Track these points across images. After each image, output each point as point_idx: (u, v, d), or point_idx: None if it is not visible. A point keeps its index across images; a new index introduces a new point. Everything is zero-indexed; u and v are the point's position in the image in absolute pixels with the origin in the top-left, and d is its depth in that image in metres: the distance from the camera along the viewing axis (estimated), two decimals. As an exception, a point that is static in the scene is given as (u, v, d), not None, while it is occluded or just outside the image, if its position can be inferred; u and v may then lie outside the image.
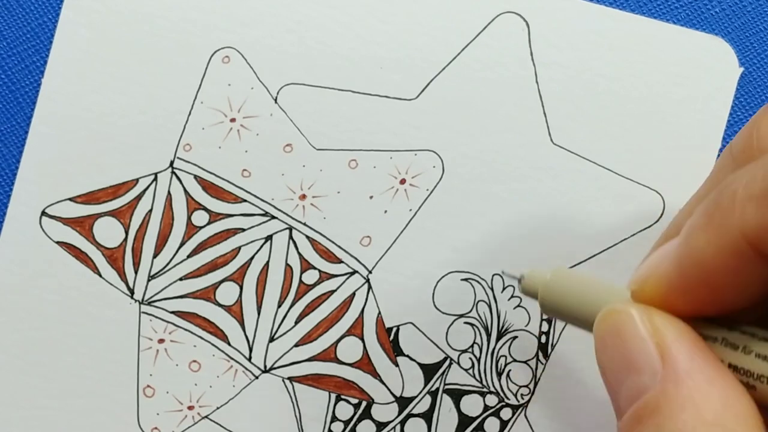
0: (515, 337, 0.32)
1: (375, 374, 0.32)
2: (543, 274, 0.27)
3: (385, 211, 0.32)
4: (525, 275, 0.28)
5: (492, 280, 0.32)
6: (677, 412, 0.21)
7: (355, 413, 0.32)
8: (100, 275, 0.32)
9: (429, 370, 0.32)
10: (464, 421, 0.32)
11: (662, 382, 0.21)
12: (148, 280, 0.32)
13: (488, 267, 0.32)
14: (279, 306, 0.32)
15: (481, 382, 0.32)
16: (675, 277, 0.22)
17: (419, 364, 0.32)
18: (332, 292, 0.32)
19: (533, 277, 0.27)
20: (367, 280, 0.32)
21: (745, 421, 0.20)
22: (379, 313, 0.32)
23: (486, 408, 0.32)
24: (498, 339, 0.32)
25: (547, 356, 0.32)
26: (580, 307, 0.25)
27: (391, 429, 0.32)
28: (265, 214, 0.32)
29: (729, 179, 0.22)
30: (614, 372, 0.23)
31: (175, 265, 0.32)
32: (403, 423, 0.32)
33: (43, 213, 0.32)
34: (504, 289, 0.32)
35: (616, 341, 0.23)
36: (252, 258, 0.32)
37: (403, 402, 0.32)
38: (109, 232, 0.32)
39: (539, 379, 0.32)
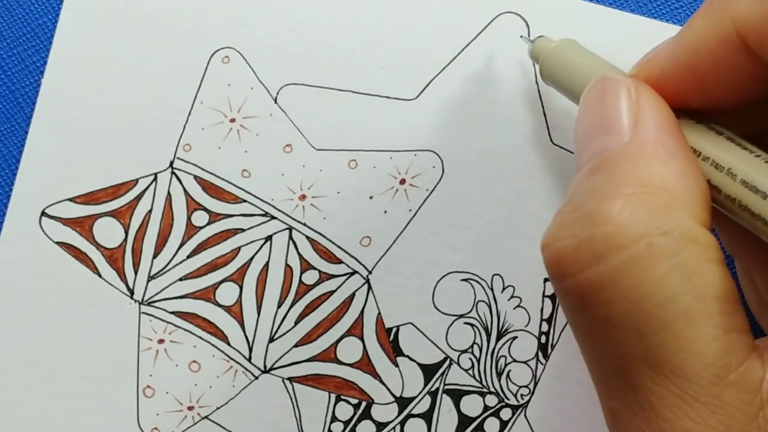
0: (515, 337, 0.32)
1: (375, 374, 0.32)
2: (549, 41, 0.28)
3: (385, 212, 0.32)
4: (535, 40, 0.28)
5: (492, 280, 0.32)
6: (632, 167, 0.21)
7: (354, 413, 0.32)
8: (100, 275, 0.32)
9: (429, 371, 0.32)
10: (464, 421, 0.32)
11: (627, 143, 0.21)
12: (148, 281, 0.32)
13: (488, 267, 0.32)
14: (279, 306, 0.32)
15: (481, 383, 0.32)
16: (668, 62, 0.23)
17: (419, 364, 0.32)
18: (332, 292, 0.32)
19: (541, 42, 0.28)
20: (367, 281, 0.32)
21: (689, 195, 0.21)
22: (379, 313, 0.32)
23: (486, 408, 0.32)
24: (498, 339, 0.32)
25: (547, 356, 0.32)
26: (576, 77, 0.25)
27: (391, 429, 0.32)
28: (265, 214, 0.32)
29: None
30: (587, 131, 0.23)
31: (175, 266, 0.32)
32: (403, 423, 0.32)
33: (43, 213, 0.32)
34: (504, 289, 0.32)
35: (599, 102, 0.23)
36: (252, 258, 0.32)
37: (403, 402, 0.32)
38: (108, 232, 0.32)
39: (539, 379, 0.32)
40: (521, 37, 0.31)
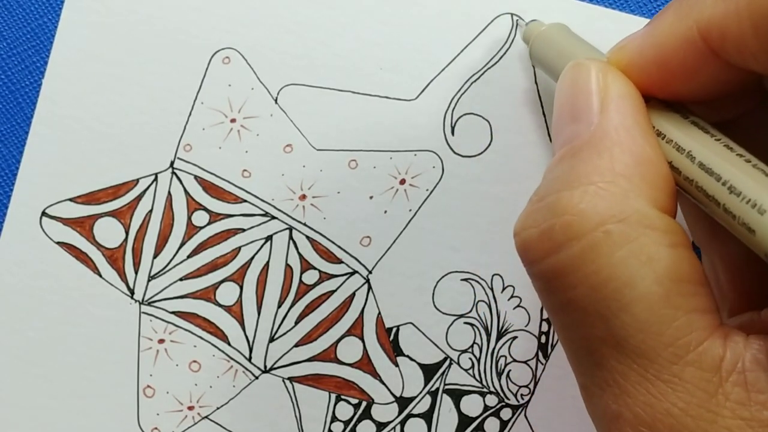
0: (515, 337, 0.32)
1: (375, 374, 0.32)
2: (540, 25, 0.29)
3: (385, 211, 0.32)
4: (528, 23, 0.30)
5: (492, 280, 0.32)
6: (594, 156, 0.22)
7: (355, 413, 0.32)
8: (101, 275, 0.32)
9: (429, 370, 0.32)
10: (464, 421, 0.32)
11: (592, 132, 0.22)
12: (149, 281, 0.32)
13: (488, 267, 0.32)
14: (279, 306, 0.32)
15: (481, 382, 0.32)
16: (635, 54, 0.23)
17: (419, 364, 0.32)
18: (332, 292, 0.32)
19: (533, 25, 0.29)
20: (367, 280, 0.32)
21: (648, 182, 0.21)
22: (379, 313, 0.32)
23: (486, 408, 0.32)
24: (498, 339, 0.32)
25: (547, 356, 0.32)
26: (560, 60, 0.26)
27: (391, 429, 0.32)
28: (266, 214, 0.32)
29: None
30: (560, 119, 0.24)
31: (175, 266, 0.32)
32: (403, 423, 0.32)
33: (44, 213, 0.32)
34: (504, 289, 0.32)
35: (569, 90, 0.24)
36: (252, 258, 0.32)
37: (403, 402, 0.32)
38: (109, 232, 0.32)
39: (539, 379, 0.32)
40: (516, 21, 0.31)
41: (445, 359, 0.32)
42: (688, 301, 0.20)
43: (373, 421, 0.32)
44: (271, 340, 0.32)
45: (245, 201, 0.32)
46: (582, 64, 0.24)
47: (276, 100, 0.32)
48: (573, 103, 0.23)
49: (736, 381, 0.20)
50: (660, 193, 0.21)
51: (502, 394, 0.32)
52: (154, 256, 0.32)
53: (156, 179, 0.32)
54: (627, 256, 0.20)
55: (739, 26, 0.21)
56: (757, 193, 0.20)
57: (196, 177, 0.32)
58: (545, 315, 0.32)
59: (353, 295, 0.32)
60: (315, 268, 0.32)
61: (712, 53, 0.22)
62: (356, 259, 0.32)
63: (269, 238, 0.32)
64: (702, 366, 0.20)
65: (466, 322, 0.32)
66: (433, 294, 0.32)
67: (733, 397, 0.20)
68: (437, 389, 0.32)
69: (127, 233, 0.32)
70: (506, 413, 0.32)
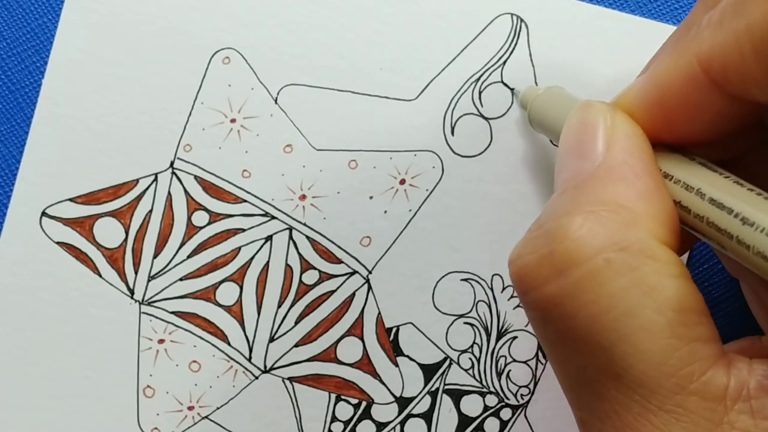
0: (515, 337, 0.32)
1: (375, 374, 0.32)
2: (537, 89, 0.30)
3: (385, 212, 0.32)
4: (522, 89, 0.31)
5: (492, 280, 0.32)
6: (597, 189, 0.21)
7: (355, 413, 0.32)
8: (101, 276, 0.32)
9: (429, 370, 0.32)
10: (464, 421, 0.32)
11: (597, 167, 0.22)
12: (148, 281, 0.32)
13: (488, 267, 0.32)
14: (279, 306, 0.32)
15: (481, 383, 0.32)
16: (639, 98, 0.23)
17: (419, 364, 0.32)
18: (332, 292, 0.32)
19: (529, 91, 0.30)
20: (367, 281, 0.32)
21: (651, 215, 0.21)
22: (379, 313, 0.32)
23: (486, 408, 0.32)
24: (498, 339, 0.32)
25: (547, 356, 0.32)
26: (561, 119, 0.26)
27: (391, 429, 0.32)
28: (265, 214, 0.32)
29: (700, 12, 0.22)
30: (565, 156, 0.23)
31: (175, 266, 0.32)
32: (403, 423, 0.32)
33: (44, 213, 0.32)
34: (504, 289, 0.32)
35: (578, 128, 0.23)
36: (252, 258, 0.32)
37: (403, 402, 0.32)
38: (109, 232, 0.32)
39: (539, 379, 0.32)
40: (512, 90, 0.32)
41: (445, 359, 0.32)
42: (690, 330, 0.20)
43: (373, 421, 0.32)
44: (271, 340, 0.32)
45: (245, 201, 0.32)
46: (591, 105, 0.24)
47: (276, 100, 0.32)
48: (580, 140, 0.23)
49: (742, 409, 0.20)
50: (663, 228, 0.21)
51: (502, 394, 0.32)
52: (154, 256, 0.32)
53: (156, 179, 0.32)
54: (628, 285, 0.20)
55: (741, 54, 0.20)
56: None
57: (196, 177, 0.32)
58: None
59: (353, 295, 0.32)
60: (315, 268, 0.32)
61: (714, 87, 0.21)
62: (356, 259, 0.32)
63: (269, 238, 0.32)
64: (706, 396, 0.20)
65: (466, 322, 0.32)
66: (433, 294, 0.32)
67: (738, 425, 0.19)
68: (437, 389, 0.32)
69: (127, 233, 0.32)
70: (506, 413, 0.32)
